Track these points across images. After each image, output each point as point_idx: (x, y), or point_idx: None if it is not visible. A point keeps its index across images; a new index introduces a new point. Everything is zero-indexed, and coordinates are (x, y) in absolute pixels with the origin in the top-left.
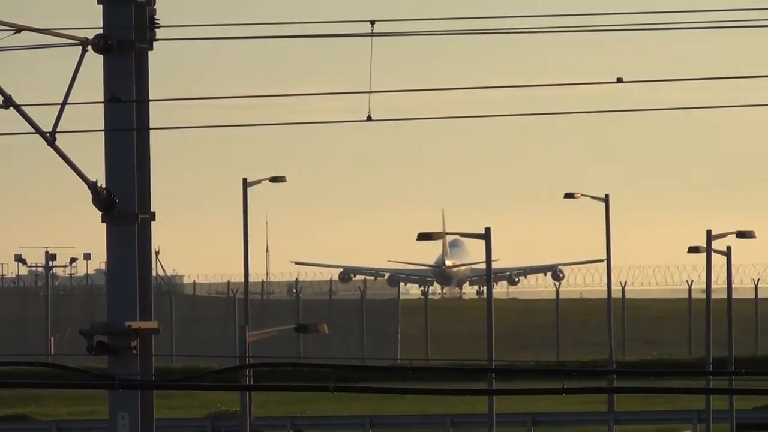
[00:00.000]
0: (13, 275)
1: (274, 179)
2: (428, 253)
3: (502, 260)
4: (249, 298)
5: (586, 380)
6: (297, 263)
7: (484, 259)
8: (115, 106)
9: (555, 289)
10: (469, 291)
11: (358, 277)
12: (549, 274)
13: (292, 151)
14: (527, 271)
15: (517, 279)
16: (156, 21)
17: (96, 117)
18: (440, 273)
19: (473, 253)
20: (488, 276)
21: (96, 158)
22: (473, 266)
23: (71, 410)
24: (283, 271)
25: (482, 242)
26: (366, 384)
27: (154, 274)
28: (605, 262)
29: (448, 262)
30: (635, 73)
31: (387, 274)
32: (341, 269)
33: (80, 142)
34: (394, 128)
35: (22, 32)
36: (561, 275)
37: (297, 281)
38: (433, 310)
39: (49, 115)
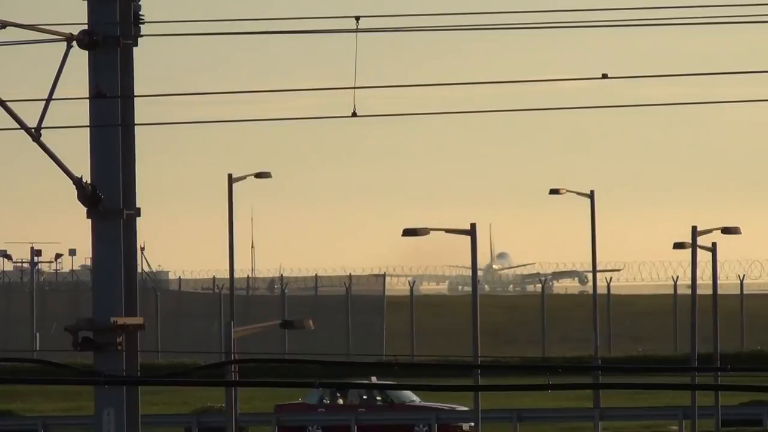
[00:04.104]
0: None
1: (259, 175)
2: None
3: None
4: (234, 294)
5: (571, 376)
6: (377, 276)
7: (525, 263)
8: (100, 102)
9: (540, 285)
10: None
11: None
12: (576, 279)
13: (277, 147)
14: (558, 276)
15: (550, 283)
16: (141, 17)
17: (81, 113)
18: (489, 276)
19: (515, 261)
20: (474, 271)
21: (81, 154)
22: (516, 271)
23: (57, 406)
24: (268, 267)
25: (525, 251)
26: (351, 380)
27: (139, 270)
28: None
29: (495, 266)
30: (620, 69)
31: (447, 281)
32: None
33: (65, 138)
34: (379, 124)
35: (7, 28)
36: (585, 280)
37: (282, 277)
38: (419, 306)
39: (35, 110)
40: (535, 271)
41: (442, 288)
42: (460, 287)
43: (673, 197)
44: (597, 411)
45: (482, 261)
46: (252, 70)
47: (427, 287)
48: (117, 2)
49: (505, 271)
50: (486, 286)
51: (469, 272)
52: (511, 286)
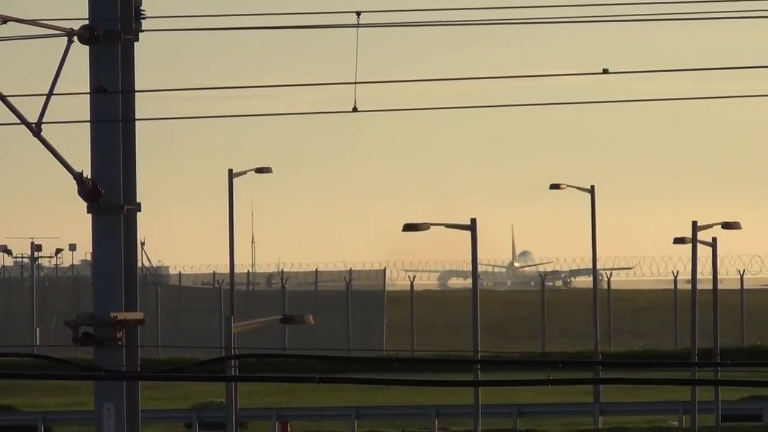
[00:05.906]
0: None
1: (260, 170)
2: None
3: (532, 257)
4: (234, 289)
5: (571, 371)
6: (407, 271)
7: (546, 261)
8: (100, 97)
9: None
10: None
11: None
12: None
13: (277, 142)
14: (575, 274)
15: (569, 280)
16: (142, 12)
17: (82, 108)
18: (511, 273)
19: (537, 258)
20: (474, 267)
21: (82, 149)
22: (538, 268)
23: (57, 401)
24: (269, 262)
25: (546, 249)
26: (352, 375)
27: (139, 264)
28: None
29: (516, 264)
30: (621, 64)
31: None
32: (438, 273)
33: (66, 133)
34: (380, 119)
35: (8, 23)
36: (601, 277)
37: (282, 271)
38: (419, 301)
39: (35, 105)
40: (557, 268)
41: (467, 283)
42: (485, 283)
43: (673, 192)
44: (597, 406)
45: (505, 259)
46: (253, 65)
47: (454, 282)
48: None
49: (527, 268)
50: (509, 282)
51: (491, 269)
52: (533, 282)
